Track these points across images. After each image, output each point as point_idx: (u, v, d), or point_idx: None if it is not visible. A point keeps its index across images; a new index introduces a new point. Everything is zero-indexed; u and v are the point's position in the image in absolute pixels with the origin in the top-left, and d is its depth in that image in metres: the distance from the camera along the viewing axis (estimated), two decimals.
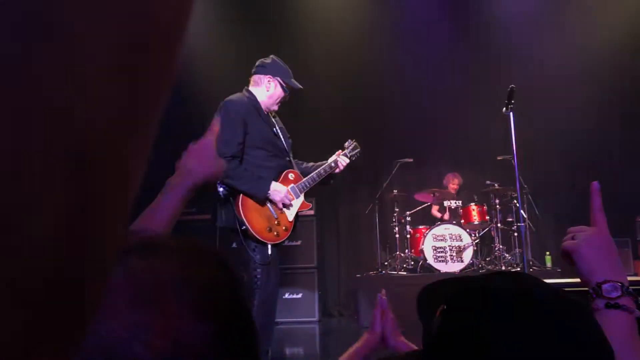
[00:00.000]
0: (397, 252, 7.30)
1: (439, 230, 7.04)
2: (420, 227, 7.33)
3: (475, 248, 7.01)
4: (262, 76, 3.62)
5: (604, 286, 1.02)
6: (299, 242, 7.06)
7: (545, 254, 7.57)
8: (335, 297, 8.29)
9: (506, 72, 6.76)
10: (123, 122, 0.24)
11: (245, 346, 0.57)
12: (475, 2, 7.97)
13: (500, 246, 7.15)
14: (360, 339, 1.66)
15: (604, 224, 1.15)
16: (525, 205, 7.22)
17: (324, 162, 3.93)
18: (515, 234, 7.10)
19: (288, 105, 3.83)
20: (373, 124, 8.19)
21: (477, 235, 7.25)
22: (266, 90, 3.62)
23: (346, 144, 4.05)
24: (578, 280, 1.09)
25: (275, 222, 3.51)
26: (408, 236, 7.33)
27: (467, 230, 7.03)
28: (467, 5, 7.96)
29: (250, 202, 3.44)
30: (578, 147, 7.74)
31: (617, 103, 7.75)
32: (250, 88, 3.63)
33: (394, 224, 7.44)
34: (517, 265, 6.84)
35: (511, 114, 4.20)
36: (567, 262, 1.13)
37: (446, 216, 7.61)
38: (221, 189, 3.36)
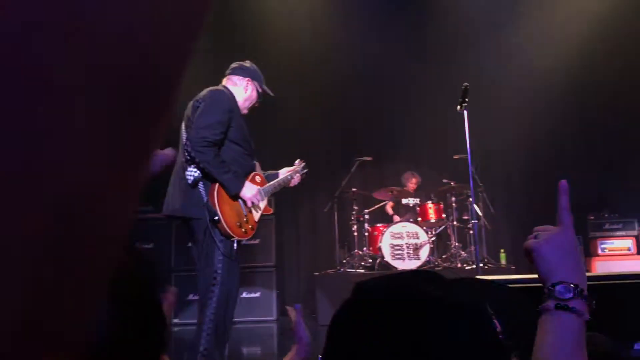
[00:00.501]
0: (356, 250, 7.32)
1: (397, 228, 7.09)
2: (379, 225, 7.37)
3: (431, 246, 7.09)
4: (241, 78, 3.64)
5: (557, 287, 1.02)
6: (257, 241, 7.04)
7: (500, 252, 7.72)
8: (294, 296, 8.27)
9: (463, 71, 6.84)
10: (109, 181, 0.24)
11: (144, 330, 0.56)
12: (431, 2, 8.06)
13: (456, 244, 7.25)
14: (289, 351, 1.67)
15: (570, 224, 1.13)
16: (480, 204, 7.34)
17: (277, 171, 3.94)
18: (471, 232, 7.22)
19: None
20: (333, 122, 8.21)
21: (433, 233, 7.33)
22: (244, 92, 3.64)
23: (296, 163, 4.04)
24: (531, 276, 1.09)
25: (245, 220, 3.48)
26: (366, 234, 7.36)
27: (424, 228, 7.10)
28: (423, 4, 8.03)
29: (225, 195, 3.38)
30: (533, 145, 7.91)
31: (572, 102, 7.92)
32: (228, 86, 3.62)
33: (353, 222, 7.47)
34: (472, 262, 6.94)
35: (465, 112, 4.26)
36: (529, 260, 1.12)
37: (400, 215, 7.67)
38: (192, 174, 3.29)
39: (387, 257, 6.96)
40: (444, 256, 7.42)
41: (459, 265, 7.02)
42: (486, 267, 7.03)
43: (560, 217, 1.14)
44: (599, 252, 7.68)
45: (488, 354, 0.74)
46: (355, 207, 7.50)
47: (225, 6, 7.33)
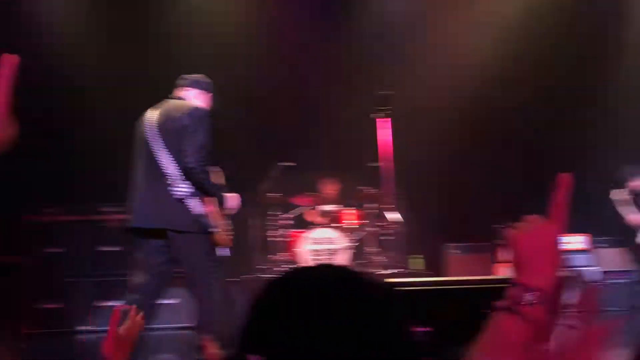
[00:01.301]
0: (273, 256, 7.26)
1: (315, 234, 7.11)
2: (297, 230, 7.36)
3: (350, 251, 7.16)
4: (206, 93, 3.85)
5: (517, 288, 0.98)
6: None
7: (415, 257, 7.89)
8: None
9: (379, 79, 6.96)
10: None
11: None
12: (348, 7, 8.16)
13: (374, 249, 7.34)
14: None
15: (558, 220, 1.06)
16: (398, 210, 7.47)
17: None
18: (390, 237, 7.33)
19: None
20: (255, 126, 8.14)
21: (352, 238, 7.40)
22: (207, 107, 3.84)
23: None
24: (446, 279, 1.08)
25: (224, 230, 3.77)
26: (284, 239, 7.33)
27: (343, 233, 7.16)
28: (339, 11, 8.12)
29: (216, 208, 3.67)
30: (451, 151, 8.13)
31: (485, 114, 8.19)
32: (194, 100, 3.78)
33: (271, 227, 7.41)
34: (390, 267, 7.06)
35: (383, 119, 4.33)
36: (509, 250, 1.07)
37: (321, 220, 7.70)
38: (183, 190, 3.48)
39: (305, 263, 6.96)
40: (362, 262, 7.50)
41: (377, 270, 7.12)
42: (401, 272, 7.17)
43: (551, 211, 1.08)
44: (506, 258, 8.01)
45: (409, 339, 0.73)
46: (274, 213, 7.45)
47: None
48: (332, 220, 7.52)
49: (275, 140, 8.31)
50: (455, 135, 8.07)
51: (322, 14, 8.04)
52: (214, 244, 3.62)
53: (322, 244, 7.05)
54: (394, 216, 7.22)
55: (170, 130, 3.53)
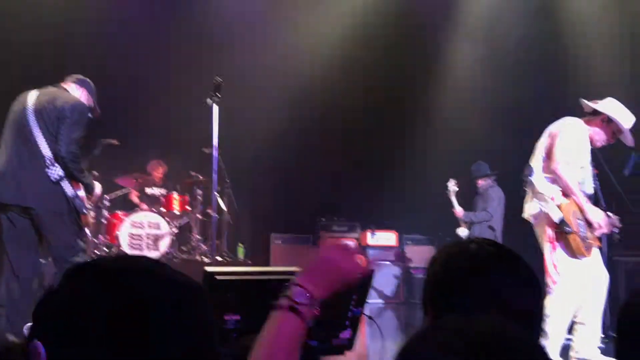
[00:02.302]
0: (91, 238, 6.86)
1: (138, 217, 6.86)
2: (118, 212, 7.03)
3: (173, 237, 7.01)
4: (89, 96, 4.10)
5: (296, 289, 1.10)
6: None
7: (239, 246, 7.97)
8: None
9: (217, 64, 6.89)
10: None
11: None
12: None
13: (198, 236, 7.27)
14: None
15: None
16: (225, 198, 7.48)
17: None
18: (215, 225, 7.31)
19: None
20: None
21: (176, 224, 7.25)
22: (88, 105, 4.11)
23: None
24: (265, 269, 1.16)
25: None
26: (104, 221, 6.96)
27: (167, 219, 6.99)
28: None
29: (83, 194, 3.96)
30: (278, 145, 8.29)
31: (314, 112, 8.47)
32: (72, 93, 3.98)
33: (90, 208, 6.97)
34: (212, 255, 7.04)
35: (214, 105, 4.30)
36: None
37: (145, 204, 7.44)
38: (57, 173, 3.68)
39: (125, 247, 6.69)
40: (184, 248, 7.39)
41: (199, 258, 7.06)
42: (224, 260, 7.19)
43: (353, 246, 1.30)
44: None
45: (208, 332, 0.74)
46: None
47: None
48: (157, 204, 7.30)
49: (101, 116, 7.85)
50: (285, 129, 8.25)
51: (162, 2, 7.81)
52: (82, 225, 3.94)
53: (144, 228, 6.81)
54: (221, 204, 7.22)
55: (51, 115, 3.71)
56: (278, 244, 8.43)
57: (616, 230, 4.34)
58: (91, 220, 4.20)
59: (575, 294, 3.90)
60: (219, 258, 7.03)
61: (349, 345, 2.68)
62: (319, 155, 8.55)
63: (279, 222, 8.62)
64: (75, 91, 4.03)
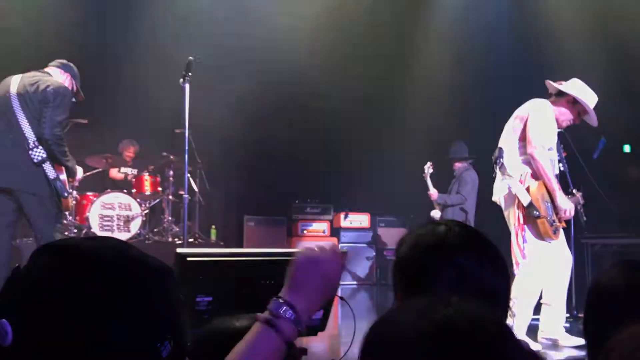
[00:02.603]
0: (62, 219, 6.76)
1: (108, 198, 6.76)
2: (89, 193, 6.92)
3: (144, 218, 6.94)
4: (72, 80, 4.17)
5: (276, 304, 1.02)
6: None
7: (211, 228, 7.94)
8: None
9: (190, 44, 6.77)
10: None
11: None
12: None
13: (170, 218, 7.21)
14: None
15: (334, 257, 1.13)
16: (197, 179, 7.42)
17: None
18: (187, 207, 7.26)
19: None
20: None
21: (147, 205, 7.18)
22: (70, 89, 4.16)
23: None
24: (235, 250, 1.11)
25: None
26: (74, 202, 6.84)
27: (138, 200, 6.91)
28: None
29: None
30: (251, 125, 8.23)
31: (290, 94, 8.39)
32: (56, 77, 4.04)
33: (71, 191, 6.85)
34: (184, 237, 7.00)
35: (187, 85, 4.25)
36: None
37: (116, 184, 7.33)
38: (41, 155, 3.75)
39: (95, 228, 6.60)
40: (155, 230, 7.33)
41: (170, 239, 7.02)
42: (196, 242, 7.16)
43: (331, 246, 1.16)
44: (299, 232, 8.45)
45: (175, 314, 0.74)
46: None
47: None
48: (128, 185, 7.21)
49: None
50: (257, 111, 8.18)
51: None
52: (62, 208, 4.01)
53: (114, 209, 6.73)
54: (192, 185, 7.16)
55: (34, 99, 3.79)
56: (251, 226, 8.41)
57: (580, 207, 4.45)
58: (71, 203, 4.20)
59: (541, 276, 3.98)
60: (191, 240, 7.00)
61: (321, 326, 2.70)
62: (292, 137, 8.52)
63: (251, 204, 8.59)
64: (60, 76, 4.10)
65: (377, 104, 8.62)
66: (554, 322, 4.08)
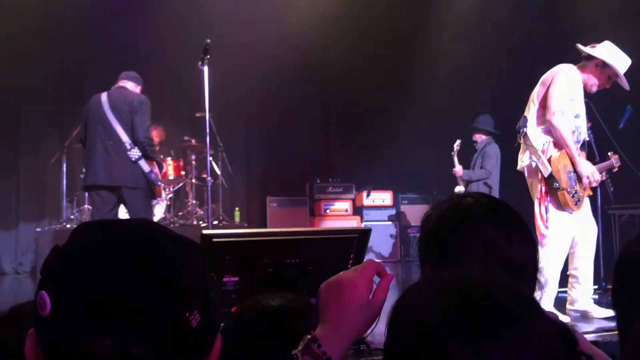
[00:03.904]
0: (86, 206, 6.87)
1: None
2: None
3: (168, 203, 7.02)
4: (140, 87, 4.98)
5: (314, 344, 0.90)
6: None
7: (235, 210, 8.00)
8: (12, 253, 7.45)
9: (207, 26, 6.76)
10: None
11: None
12: None
13: (194, 201, 7.28)
14: None
15: (366, 274, 0.97)
16: (219, 162, 7.47)
17: None
18: (210, 189, 7.31)
19: None
20: (69, 68, 7.51)
21: (171, 190, 7.25)
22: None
23: None
24: (260, 230, 1.09)
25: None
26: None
27: (162, 184, 6.97)
28: None
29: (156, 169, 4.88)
30: (272, 107, 8.22)
31: (314, 66, 8.31)
32: (132, 89, 4.87)
33: (83, 175, 6.96)
34: (208, 219, 7.07)
35: (206, 69, 4.25)
36: None
37: None
38: (136, 154, 4.56)
39: (121, 214, 6.68)
40: (180, 213, 7.41)
41: (195, 222, 7.09)
42: (221, 224, 7.23)
43: (362, 264, 1.00)
44: (322, 212, 8.47)
45: (209, 290, 0.75)
46: None
47: None
48: None
49: (95, 83, 7.78)
50: (278, 92, 8.17)
51: None
52: (154, 196, 4.88)
53: None
54: (215, 168, 7.21)
55: (124, 110, 4.61)
56: (274, 207, 8.45)
57: (608, 175, 4.38)
58: (160, 190, 5.03)
59: (564, 246, 3.94)
60: (215, 222, 7.07)
61: None
62: (313, 117, 8.51)
63: (274, 185, 8.62)
64: (135, 88, 4.91)
65: (399, 80, 8.50)
66: (582, 294, 4.04)
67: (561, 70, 4.01)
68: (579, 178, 3.97)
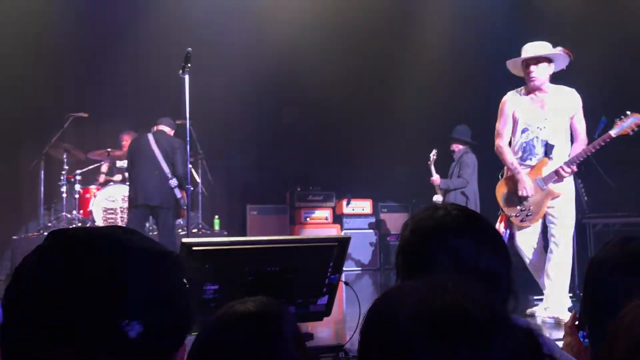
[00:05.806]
0: (64, 213, 6.80)
1: (111, 191, 6.80)
2: (91, 186, 6.96)
3: None
4: (174, 130, 6.08)
5: None
6: None
7: (215, 218, 7.97)
8: None
9: (189, 36, 6.76)
10: None
11: None
12: None
13: None
14: None
15: None
16: (199, 170, 7.45)
17: None
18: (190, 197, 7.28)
19: None
20: (43, 74, 7.43)
21: None
22: None
23: None
24: (239, 239, 1.11)
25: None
26: (77, 196, 6.88)
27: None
28: None
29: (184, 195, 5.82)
30: (251, 115, 8.22)
31: (289, 85, 8.36)
32: (169, 132, 6.05)
33: (62, 182, 6.90)
34: (188, 227, 7.03)
35: (186, 77, 4.26)
36: None
37: (117, 177, 7.35)
38: (174, 183, 5.70)
39: (99, 221, 6.64)
40: None
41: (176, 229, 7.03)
42: (200, 232, 7.20)
43: None
44: (302, 220, 8.49)
45: (181, 296, 0.75)
46: (66, 167, 6.95)
47: None
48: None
49: (69, 89, 7.72)
50: (258, 100, 8.18)
51: None
52: (179, 216, 5.93)
53: (116, 201, 6.76)
54: (195, 175, 7.18)
55: (167, 148, 5.78)
56: (254, 215, 8.44)
57: (581, 185, 4.63)
58: (184, 213, 5.80)
59: (527, 259, 4.28)
60: (195, 230, 7.04)
61: (326, 311, 2.74)
62: (293, 126, 8.52)
63: (254, 194, 8.61)
64: (170, 131, 6.05)
65: (378, 90, 8.58)
66: (556, 301, 4.12)
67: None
68: (520, 196, 4.20)
